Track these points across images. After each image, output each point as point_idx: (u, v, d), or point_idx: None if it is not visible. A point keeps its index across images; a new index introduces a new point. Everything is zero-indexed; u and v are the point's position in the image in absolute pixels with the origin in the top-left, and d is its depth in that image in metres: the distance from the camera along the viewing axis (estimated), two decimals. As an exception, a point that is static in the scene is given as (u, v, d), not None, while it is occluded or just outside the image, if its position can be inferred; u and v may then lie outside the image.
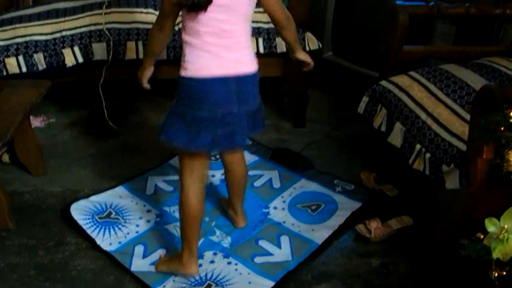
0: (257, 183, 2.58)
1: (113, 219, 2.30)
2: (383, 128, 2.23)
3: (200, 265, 2.07)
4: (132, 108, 3.27)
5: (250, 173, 2.60)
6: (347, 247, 2.21)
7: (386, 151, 2.42)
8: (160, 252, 2.13)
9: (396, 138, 2.11)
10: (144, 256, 2.11)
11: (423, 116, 2.04)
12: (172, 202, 2.41)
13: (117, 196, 2.45)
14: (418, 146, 1.98)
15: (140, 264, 2.07)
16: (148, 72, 1.94)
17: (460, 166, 1.76)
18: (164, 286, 1.97)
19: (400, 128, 2.10)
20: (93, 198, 2.42)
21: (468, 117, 1.92)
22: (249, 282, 1.99)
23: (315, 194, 2.50)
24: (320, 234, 2.24)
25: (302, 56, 1.98)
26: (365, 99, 2.35)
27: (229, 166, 2.11)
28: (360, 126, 3.08)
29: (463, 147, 1.81)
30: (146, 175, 2.62)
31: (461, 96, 2.05)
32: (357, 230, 2.26)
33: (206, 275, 2.02)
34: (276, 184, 2.58)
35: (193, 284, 1.98)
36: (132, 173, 2.64)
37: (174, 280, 1.99)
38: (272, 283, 1.99)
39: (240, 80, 1.75)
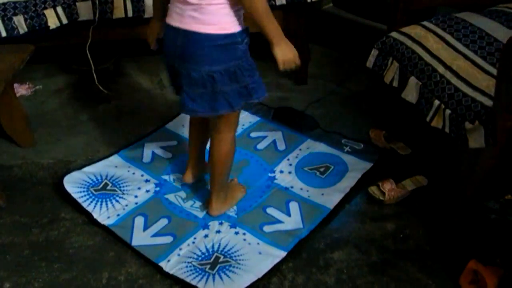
0: (260, 146, 2.43)
1: (109, 190, 2.16)
2: (395, 83, 2.07)
3: (206, 236, 1.95)
4: (123, 71, 3.08)
5: (252, 134, 2.47)
6: (360, 211, 2.09)
7: (397, 107, 2.27)
8: (162, 223, 2.00)
9: (411, 93, 1.95)
10: (145, 228, 1.98)
11: (440, 69, 1.87)
12: (171, 170, 2.27)
13: (112, 166, 2.30)
14: (436, 102, 1.83)
15: (141, 237, 1.95)
16: (153, 29, 1.85)
17: (485, 123, 1.62)
18: (169, 261, 1.85)
19: (415, 83, 1.94)
20: (87, 169, 2.27)
21: (491, 69, 1.77)
22: (259, 253, 1.87)
23: (322, 156, 2.36)
24: (330, 198, 2.11)
25: (275, 53, 1.64)
26: (374, 52, 2.18)
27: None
28: (365, 81, 2.92)
29: (488, 102, 1.66)
30: (142, 141, 2.46)
31: (481, 46, 1.89)
32: (369, 192, 2.13)
33: (213, 246, 1.90)
34: (281, 145, 2.43)
35: (200, 257, 1.86)
36: (127, 140, 2.48)
37: (179, 254, 1.87)
38: (284, 253, 1.87)
39: (187, 37, 1.63)
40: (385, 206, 2.10)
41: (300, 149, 2.40)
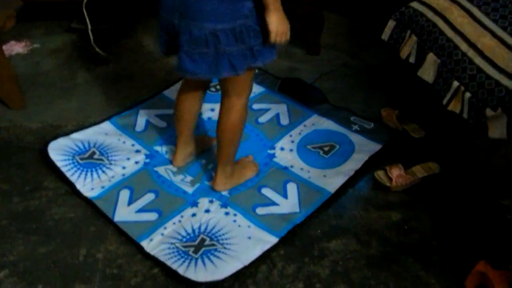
0: (262, 119, 2.26)
1: (96, 160, 2.02)
2: (411, 59, 1.87)
3: (194, 215, 1.81)
4: (126, 32, 2.90)
5: (255, 106, 2.30)
6: (364, 197, 1.92)
7: (413, 85, 2.07)
8: (148, 197, 1.87)
9: (428, 72, 1.75)
10: (130, 203, 1.85)
11: (463, 46, 1.67)
12: (165, 141, 2.12)
13: (102, 133, 2.16)
14: (455, 84, 1.63)
15: (124, 212, 1.81)
16: None
17: (509, 110, 1.42)
18: (151, 240, 1.71)
19: (433, 60, 1.74)
20: (75, 135, 2.13)
21: (521, 48, 1.56)
22: (249, 237, 1.73)
23: (328, 133, 2.19)
24: (333, 181, 1.95)
25: (270, 21, 1.48)
26: (391, 23, 1.97)
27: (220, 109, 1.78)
28: (381, 54, 2.71)
29: (514, 86, 1.46)
30: (137, 108, 2.31)
31: (512, 22, 1.67)
32: (375, 177, 1.96)
33: (199, 227, 1.76)
34: (284, 120, 2.26)
35: (184, 238, 1.72)
36: (121, 106, 2.33)
37: (162, 234, 1.74)
38: (276, 239, 1.72)
39: None
40: (391, 194, 1.93)
41: (305, 125, 2.23)
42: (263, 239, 1.72)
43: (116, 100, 2.39)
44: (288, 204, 1.86)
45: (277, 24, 1.48)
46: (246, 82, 1.69)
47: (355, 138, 2.16)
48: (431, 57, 1.75)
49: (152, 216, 1.80)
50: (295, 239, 1.75)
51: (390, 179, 1.93)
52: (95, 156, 2.04)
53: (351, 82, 2.54)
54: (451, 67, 1.67)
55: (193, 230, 1.75)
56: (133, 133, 2.16)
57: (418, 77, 1.83)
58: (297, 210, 1.83)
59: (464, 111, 1.60)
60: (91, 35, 2.51)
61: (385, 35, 1.99)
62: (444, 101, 1.67)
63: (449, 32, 1.72)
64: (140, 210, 1.82)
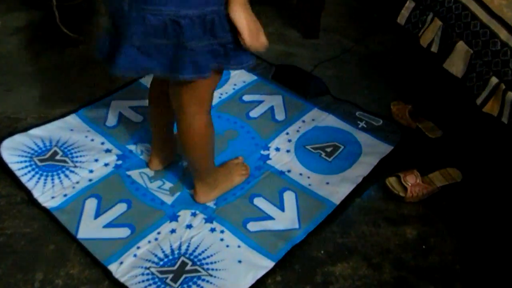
0: (254, 113, 1.96)
1: (58, 161, 1.71)
2: (434, 48, 1.58)
3: (173, 231, 1.51)
4: (95, 9, 2.56)
5: (246, 98, 1.99)
6: (374, 210, 1.64)
7: (433, 78, 1.79)
8: (119, 209, 1.57)
9: (457, 64, 1.46)
10: (97, 215, 1.55)
11: (502, 34, 1.37)
12: (140, 138, 1.81)
13: (67, 128, 1.84)
14: (494, 80, 1.35)
15: (90, 227, 1.51)
16: None
17: None
18: (122, 263, 1.42)
19: (464, 51, 1.44)
20: (34, 131, 1.81)
21: None
22: (239, 261, 1.44)
23: (331, 131, 1.89)
24: (337, 189, 1.66)
25: (234, 16, 1.14)
26: (409, 4, 1.67)
27: None
28: (389, 40, 2.41)
29: None
30: (108, 98, 1.99)
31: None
32: (387, 185, 1.68)
33: (180, 247, 1.47)
34: (280, 115, 1.96)
35: (162, 262, 1.43)
36: (91, 95, 2.01)
37: (135, 255, 1.44)
38: (271, 263, 1.44)
39: None
40: (405, 205, 1.65)
41: (304, 121, 1.93)
42: (256, 263, 1.44)
43: (85, 88, 2.07)
44: (285, 218, 1.57)
45: (247, 21, 1.14)
46: (209, 89, 1.34)
47: (362, 137, 1.87)
48: (461, 47, 1.45)
49: (123, 233, 1.50)
50: (294, 263, 1.47)
51: (405, 188, 1.65)
52: (57, 157, 1.72)
53: (355, 71, 2.24)
54: (488, 60, 1.38)
55: (172, 251, 1.46)
56: (103, 129, 1.85)
57: (440, 69, 1.54)
58: (296, 226, 1.55)
59: (504, 115, 1.32)
60: (56, 13, 2.16)
61: (402, 18, 1.69)
62: (478, 101, 1.38)
63: (484, 16, 1.43)
64: (109, 225, 1.53)
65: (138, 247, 1.46)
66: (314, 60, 2.28)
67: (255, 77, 2.14)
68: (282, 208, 1.60)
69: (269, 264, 1.43)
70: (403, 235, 1.57)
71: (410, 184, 1.64)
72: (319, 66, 2.24)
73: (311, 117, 1.95)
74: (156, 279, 1.38)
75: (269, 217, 1.57)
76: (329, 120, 1.94)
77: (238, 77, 2.13)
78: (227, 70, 1.25)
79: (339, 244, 1.53)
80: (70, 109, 1.94)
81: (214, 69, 1.24)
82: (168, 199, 1.61)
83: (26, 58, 2.25)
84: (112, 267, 1.41)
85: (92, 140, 1.80)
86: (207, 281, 1.38)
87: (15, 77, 2.13)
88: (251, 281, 1.39)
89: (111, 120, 1.89)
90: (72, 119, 1.88)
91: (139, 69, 1.22)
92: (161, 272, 1.40)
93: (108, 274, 1.40)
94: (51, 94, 2.04)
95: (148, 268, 1.40)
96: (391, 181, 1.68)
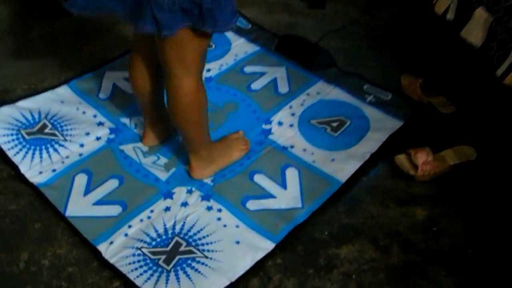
0: (256, 85, 1.85)
1: (47, 135, 1.61)
2: (450, 16, 1.45)
3: (167, 209, 1.42)
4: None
5: (248, 69, 1.88)
6: (382, 189, 1.54)
7: (447, 48, 1.67)
8: (111, 185, 1.47)
9: (475, 33, 1.34)
10: (87, 192, 1.46)
11: (528, -3, 1.25)
12: (134, 111, 1.70)
13: (58, 100, 1.74)
14: (517, 49, 1.23)
15: (79, 205, 1.42)
16: None
17: None
18: (112, 242, 1.33)
19: (484, 17, 1.32)
20: (22, 103, 1.71)
21: None
22: (237, 242, 1.35)
23: (337, 105, 1.78)
24: (343, 166, 1.56)
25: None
26: (424, -33, 1.54)
27: None
28: (398, 10, 2.28)
29: None
30: (102, 69, 1.88)
31: None
32: (396, 163, 1.57)
33: (174, 226, 1.38)
34: (283, 87, 1.85)
35: (154, 242, 1.34)
36: (84, 66, 1.90)
37: (126, 234, 1.35)
38: (271, 245, 1.35)
39: None
40: (416, 184, 1.55)
41: (308, 94, 1.82)
42: (255, 244, 1.34)
43: (78, 59, 1.96)
44: (287, 196, 1.47)
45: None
46: (194, 50, 1.22)
47: (370, 111, 1.76)
48: (480, 14, 1.32)
49: (114, 210, 1.41)
50: (296, 244, 1.38)
51: (415, 166, 1.54)
52: (46, 130, 1.62)
53: (364, 42, 2.12)
54: (510, 27, 1.25)
55: (166, 230, 1.37)
56: (96, 101, 1.75)
57: (455, 38, 1.41)
58: (299, 205, 1.45)
59: (527, 87, 1.20)
60: None
61: (416, -17, 1.56)
62: (498, 72, 1.26)
63: (507, -22, 1.30)
64: (100, 202, 1.44)
65: (130, 226, 1.37)
66: (319, 31, 2.15)
67: (257, 48, 2.02)
68: (284, 186, 1.50)
69: (269, 246, 1.34)
70: (412, 216, 1.47)
71: (421, 162, 1.54)
72: (325, 38, 2.12)
73: (316, 90, 1.84)
74: (148, 261, 1.29)
75: (270, 195, 1.47)
76: (335, 93, 1.83)
77: (240, 48, 2.01)
78: (204, 31, 1.14)
79: (344, 225, 1.43)
80: (61, 80, 1.83)
81: (189, 29, 1.13)
82: (163, 175, 1.51)
83: (16, 28, 2.14)
84: (102, 247, 1.32)
85: (84, 112, 1.70)
86: (202, 263, 1.29)
87: (4, 49, 2.02)
88: (250, 263, 1.29)
89: (105, 91, 1.79)
90: (63, 91, 1.78)
91: (98, 7, 1.11)
92: (154, 253, 1.31)
93: (97, 255, 1.32)
94: (42, 66, 1.93)
95: (140, 249, 1.31)
96: (401, 158, 1.58)
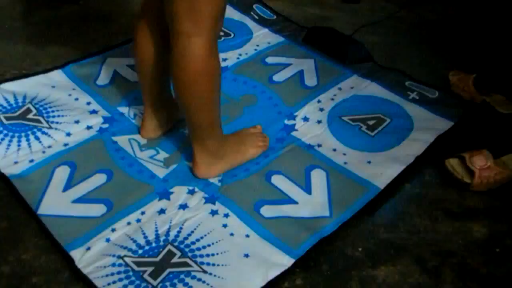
0: (278, 77, 1.59)
1: (30, 121, 1.37)
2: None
3: (162, 211, 1.15)
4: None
5: (269, 60, 1.63)
6: (429, 199, 1.25)
7: (506, 42, 1.39)
8: (97, 180, 1.21)
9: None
10: (67, 187, 1.20)
11: None
12: (135, 100, 1.46)
13: (48, 85, 1.50)
14: None
15: (56, 202, 1.16)
16: None
17: None
18: (89, 248, 1.06)
19: None
20: (6, 85, 1.48)
21: None
22: (246, 255, 1.06)
23: (374, 101, 1.51)
24: (381, 170, 1.27)
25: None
26: None
27: None
28: (440, 8, 2.01)
29: None
30: (104, 55, 1.65)
31: None
32: (447, 168, 1.28)
33: (168, 232, 1.10)
34: (310, 80, 1.58)
35: (141, 249, 1.06)
36: (86, 52, 1.68)
37: (108, 239, 1.08)
38: (290, 261, 1.06)
39: None
40: (471, 195, 1.25)
41: (340, 88, 1.54)
42: (270, 259, 1.05)
43: (78, 45, 1.74)
44: (312, 202, 1.19)
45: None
46: (214, 3, 0.98)
47: (413, 110, 1.47)
48: None
49: (96, 210, 1.15)
50: (322, 262, 1.08)
51: (471, 172, 1.24)
52: (30, 116, 1.38)
53: (402, 38, 1.85)
54: None
55: (157, 237, 1.09)
56: (91, 87, 1.51)
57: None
58: (326, 213, 1.16)
59: None
60: None
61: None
62: None
63: None
64: (81, 200, 1.17)
65: (114, 230, 1.10)
66: (353, 25, 1.90)
67: (282, 39, 1.77)
68: (308, 190, 1.22)
69: (287, 262, 1.05)
70: (468, 232, 1.17)
71: (478, 167, 1.24)
72: (359, 32, 1.86)
73: (350, 84, 1.56)
74: (130, 273, 1.01)
75: (291, 200, 1.19)
76: (372, 88, 1.55)
77: (263, 38, 1.77)
78: None
79: (383, 240, 1.14)
80: (56, 65, 1.60)
81: None
82: (161, 172, 1.25)
83: (17, 13, 1.94)
84: (76, 254, 1.05)
85: (77, 99, 1.46)
86: (199, 279, 1.00)
87: (1, 32, 1.81)
88: (261, 282, 1.00)
89: (104, 78, 1.55)
90: (56, 75, 1.55)
91: None
92: (139, 264, 1.03)
93: (70, 262, 1.04)
94: (39, 50, 1.72)
95: (122, 258, 1.04)
96: (453, 163, 1.28)
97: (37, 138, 1.32)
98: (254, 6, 1.93)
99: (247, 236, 1.10)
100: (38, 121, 1.36)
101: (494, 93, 1.50)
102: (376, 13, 2.00)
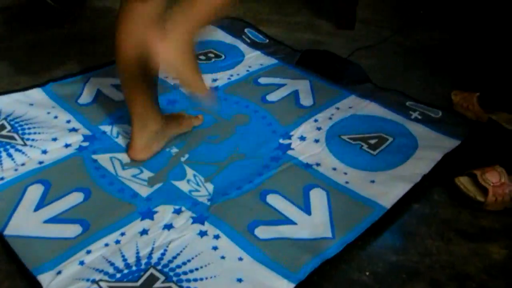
0: (272, 97, 1.50)
1: (3, 137, 1.26)
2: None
3: (144, 232, 1.02)
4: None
5: (262, 81, 1.55)
6: (439, 219, 1.13)
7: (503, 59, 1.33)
8: (72, 199, 1.09)
9: None
10: (39, 207, 1.08)
11: None
12: (118, 118, 1.35)
13: (25, 102, 1.40)
14: None
15: (25, 222, 1.04)
16: None
17: None
18: (59, 273, 0.93)
19: None
20: (-20, 102, 1.37)
21: None
22: (239, 280, 0.94)
23: (374, 120, 1.41)
24: (386, 189, 1.16)
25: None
26: None
27: None
28: (437, 33, 1.97)
29: None
30: (87, 74, 1.55)
31: None
32: (458, 186, 1.17)
33: (150, 255, 0.98)
34: (306, 100, 1.50)
35: (119, 273, 0.93)
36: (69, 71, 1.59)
37: (82, 262, 0.95)
38: (290, 285, 0.93)
39: None
40: (484, 214, 1.14)
41: (338, 108, 1.46)
42: (266, 284, 0.93)
43: (62, 66, 1.65)
44: (312, 223, 1.07)
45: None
46: None
47: (417, 129, 1.38)
48: None
49: (71, 231, 1.02)
50: (325, 287, 0.96)
51: (484, 189, 1.14)
52: (3, 132, 1.27)
53: (400, 61, 1.79)
54: None
55: (138, 259, 0.96)
56: (72, 106, 1.40)
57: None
58: (329, 234, 1.04)
59: None
60: None
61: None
62: None
63: None
64: (53, 220, 1.05)
65: (89, 252, 0.97)
66: (348, 50, 1.83)
67: (275, 61, 1.69)
68: (307, 210, 1.10)
69: (286, 287, 0.92)
70: (486, 255, 1.05)
71: (491, 184, 1.14)
72: (355, 54, 1.79)
73: (348, 104, 1.48)
74: (106, 299, 0.88)
75: (289, 221, 1.07)
76: (371, 108, 1.46)
77: (255, 60, 1.69)
78: None
79: (392, 263, 1.02)
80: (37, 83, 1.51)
81: None
82: (144, 191, 1.13)
83: (1, 36, 1.85)
84: (44, 278, 0.92)
85: (56, 117, 1.35)
86: (186, 308, 0.87)
87: (-20, 53, 1.72)
88: (256, 310, 0.87)
89: (86, 97, 1.45)
90: (35, 93, 1.45)
91: None
92: (117, 289, 0.90)
93: (37, 288, 0.91)
94: (20, 70, 1.63)
95: (97, 282, 0.91)
96: (463, 181, 1.18)
97: (9, 155, 1.20)
98: (246, 30, 1.86)
99: (240, 259, 0.98)
100: (12, 138, 1.25)
101: (499, 111, 1.43)
102: (371, 38, 1.94)
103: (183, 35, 0.93)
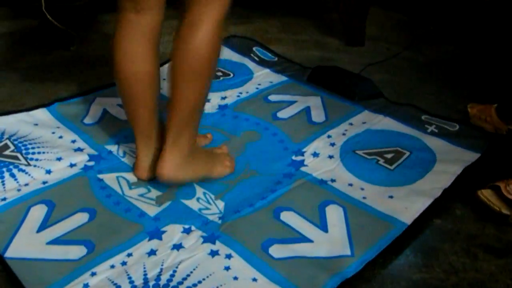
0: (283, 114, 1.46)
1: (6, 157, 1.22)
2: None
3: (152, 252, 0.97)
4: (99, 19, 2.17)
5: (272, 98, 1.50)
6: (463, 234, 1.07)
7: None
8: (77, 220, 1.04)
9: None
10: (42, 228, 1.03)
11: None
12: (125, 138, 1.31)
13: (30, 122, 1.37)
14: None
15: (27, 243, 0.99)
16: None
17: None
18: (64, 298, 0.87)
19: None
20: (-16, 122, 1.34)
21: None
22: (254, 301, 0.88)
23: (390, 135, 1.37)
24: (406, 204, 1.10)
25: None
26: None
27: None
28: (447, 48, 1.94)
29: None
30: (94, 94, 1.52)
31: None
32: (481, 200, 1.12)
33: (159, 276, 0.92)
34: (318, 116, 1.45)
35: (126, 297, 0.88)
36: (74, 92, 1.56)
37: (86, 285, 0.89)
38: (307, 307, 0.87)
39: None
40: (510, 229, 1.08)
41: (351, 124, 1.41)
42: (283, 305, 0.87)
43: (67, 87, 1.62)
44: (329, 241, 1.01)
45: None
46: None
47: (434, 143, 1.33)
48: None
49: (75, 252, 0.97)
50: (345, 307, 0.90)
51: (509, 202, 1.08)
52: (6, 152, 1.23)
53: (412, 75, 1.75)
54: None
55: (146, 281, 0.91)
56: (78, 126, 1.37)
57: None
58: (347, 252, 0.98)
59: None
60: (47, 14, 1.76)
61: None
62: None
63: None
64: (57, 241, 1.00)
65: (94, 274, 0.92)
66: (359, 66, 1.79)
67: (285, 78, 1.65)
68: (324, 228, 1.04)
69: (303, 308, 0.86)
70: (516, 272, 0.99)
71: (518, 198, 1.08)
72: (367, 70, 1.76)
73: (361, 119, 1.43)
74: (112, 325, 0.82)
75: (305, 239, 1.02)
76: (386, 122, 1.42)
77: (264, 77, 1.66)
78: None
79: (416, 281, 0.95)
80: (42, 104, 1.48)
81: None
82: (152, 210, 1.08)
83: (7, 58, 1.84)
84: (46, 303, 0.86)
85: (61, 137, 1.31)
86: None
87: (-14, 76, 1.70)
88: (273, 335, 0.81)
89: (92, 117, 1.41)
90: (40, 113, 1.42)
91: None
92: (124, 313, 0.84)
93: (39, 315, 0.85)
94: (24, 92, 1.60)
95: (103, 306, 0.85)
96: (486, 194, 1.12)
97: (12, 176, 1.16)
98: (254, 49, 1.83)
99: (254, 280, 0.92)
100: (16, 158, 1.21)
101: (518, 123, 1.38)
102: (380, 54, 1.91)
103: (180, 152, 1.04)
